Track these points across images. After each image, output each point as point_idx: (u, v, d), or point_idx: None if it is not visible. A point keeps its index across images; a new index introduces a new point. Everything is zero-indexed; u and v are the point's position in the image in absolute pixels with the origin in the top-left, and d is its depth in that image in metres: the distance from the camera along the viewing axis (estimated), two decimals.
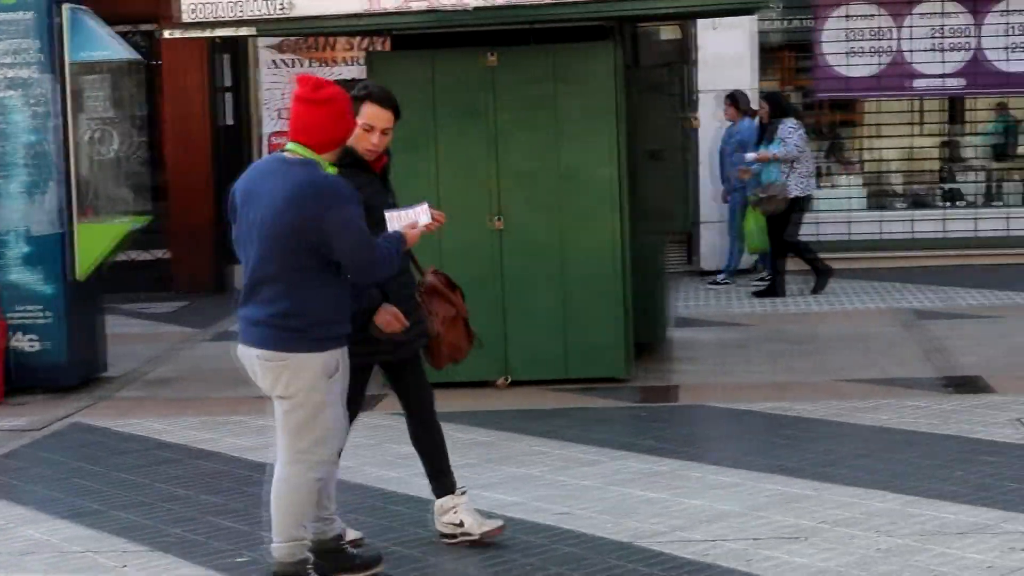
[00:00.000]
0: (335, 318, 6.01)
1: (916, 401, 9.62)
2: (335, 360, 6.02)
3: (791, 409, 9.55)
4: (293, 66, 17.37)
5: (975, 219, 17.21)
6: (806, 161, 14.67)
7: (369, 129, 6.46)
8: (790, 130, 14.55)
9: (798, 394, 10.05)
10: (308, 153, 5.96)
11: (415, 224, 6.30)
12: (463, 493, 6.87)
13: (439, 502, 6.85)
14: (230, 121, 17.30)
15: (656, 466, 8.18)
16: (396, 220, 6.34)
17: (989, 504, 7.08)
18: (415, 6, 10.06)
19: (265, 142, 17.25)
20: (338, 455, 6.35)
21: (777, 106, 15.00)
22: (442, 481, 6.84)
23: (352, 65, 16.84)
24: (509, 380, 10.59)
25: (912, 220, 17.26)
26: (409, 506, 7.53)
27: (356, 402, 6.63)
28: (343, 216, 5.82)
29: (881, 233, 17.24)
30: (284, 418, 6.06)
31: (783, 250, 14.86)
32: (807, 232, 15.53)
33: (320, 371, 5.96)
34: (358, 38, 16.68)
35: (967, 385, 10.14)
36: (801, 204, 14.73)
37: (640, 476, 7.96)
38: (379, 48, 15.47)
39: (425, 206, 6.39)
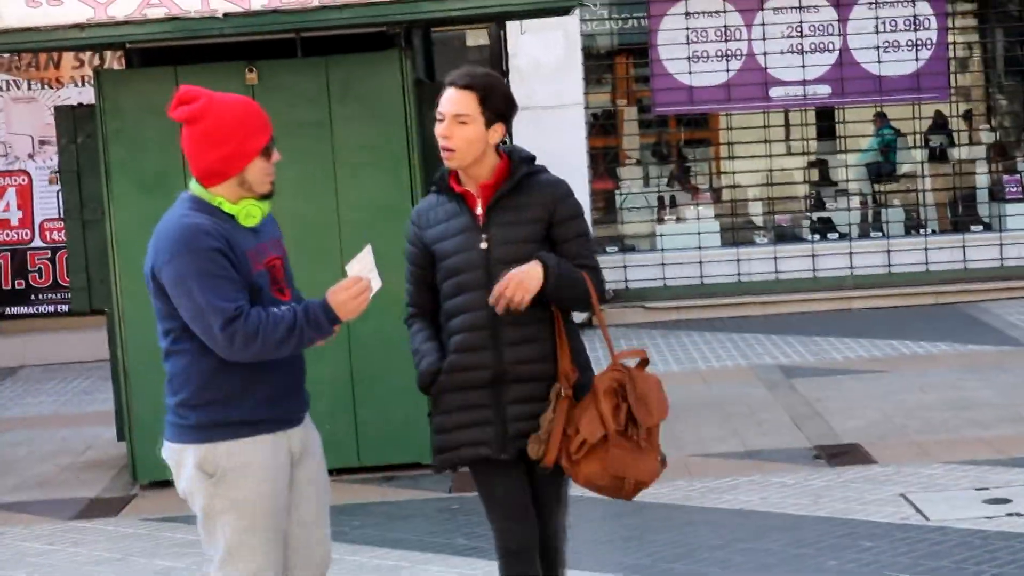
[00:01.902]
0: (227, 397, 5.63)
1: (783, 477, 9.82)
2: (219, 456, 5.59)
3: None
4: (9, 89, 17.18)
5: (850, 254, 17.49)
6: None
7: (440, 119, 5.97)
8: None
9: None
10: (196, 188, 5.74)
11: (357, 282, 5.80)
12: None
13: None
14: None
15: (469, 570, 8.24)
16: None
17: None
18: (152, 13, 10.05)
19: None
20: None
21: None
22: None
23: (84, 86, 16.71)
24: None
25: (776, 258, 17.51)
26: None
27: (515, 513, 6.19)
28: (179, 273, 5.51)
29: (739, 274, 17.45)
30: None
31: None
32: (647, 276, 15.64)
33: (195, 468, 5.60)
34: (88, 53, 16.58)
35: (844, 455, 10.36)
36: None
37: None
38: (113, 65, 15.42)
39: (365, 253, 5.83)
